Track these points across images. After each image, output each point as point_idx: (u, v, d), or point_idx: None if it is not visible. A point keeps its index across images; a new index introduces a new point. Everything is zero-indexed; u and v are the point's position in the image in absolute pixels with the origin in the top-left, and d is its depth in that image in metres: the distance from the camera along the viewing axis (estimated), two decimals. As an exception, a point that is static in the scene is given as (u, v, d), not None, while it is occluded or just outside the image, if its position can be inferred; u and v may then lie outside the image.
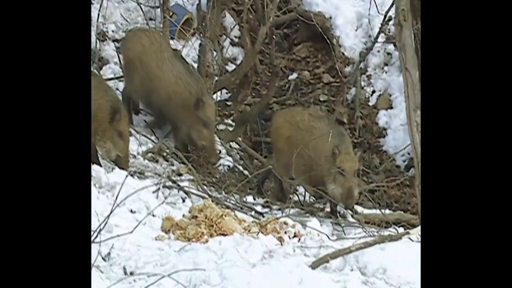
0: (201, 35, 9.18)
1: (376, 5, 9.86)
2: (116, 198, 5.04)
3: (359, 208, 7.68)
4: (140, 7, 9.87)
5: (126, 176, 5.31)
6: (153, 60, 8.02)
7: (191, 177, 7.50)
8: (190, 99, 7.85)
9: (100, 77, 7.97)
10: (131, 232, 4.73)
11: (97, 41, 9.22)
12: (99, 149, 7.30)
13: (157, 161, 7.85)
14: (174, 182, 7.22)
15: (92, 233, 4.51)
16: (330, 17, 10.34)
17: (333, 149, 7.14)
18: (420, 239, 5.41)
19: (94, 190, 6.13)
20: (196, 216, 6.10)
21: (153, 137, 8.20)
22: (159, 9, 9.61)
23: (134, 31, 8.61)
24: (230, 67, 9.88)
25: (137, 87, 8.14)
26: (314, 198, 7.85)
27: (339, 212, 7.46)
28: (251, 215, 6.93)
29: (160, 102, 7.96)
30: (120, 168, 7.31)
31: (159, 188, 6.81)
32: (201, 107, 7.81)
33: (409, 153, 8.84)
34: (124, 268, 5.00)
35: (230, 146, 8.76)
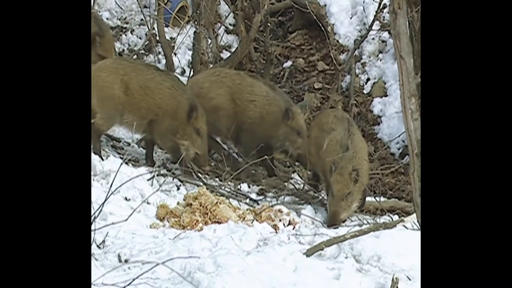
0: (196, 22, 9.17)
1: (371, -7, 9.87)
2: (111, 186, 5.04)
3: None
4: (135, -6, 9.87)
5: (121, 163, 5.30)
6: (244, 96, 7.89)
7: (186, 164, 7.50)
8: (280, 113, 7.80)
9: (175, 75, 7.83)
10: (126, 220, 4.73)
11: (92, 28, 9.18)
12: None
13: (151, 149, 7.83)
14: (168, 170, 7.22)
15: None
16: (325, 5, 10.32)
17: (330, 165, 6.86)
18: (414, 227, 5.43)
19: (89, 178, 6.12)
20: (191, 204, 6.11)
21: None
22: (153, -3, 9.60)
23: (212, 88, 7.97)
24: (225, 54, 9.87)
25: (226, 124, 7.91)
26: (308, 186, 7.85)
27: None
28: (246, 203, 6.94)
29: (252, 126, 7.83)
30: (199, 167, 7.24)
31: (153, 176, 6.81)
32: (291, 117, 7.77)
33: (403, 141, 8.83)
34: (119, 256, 5.00)
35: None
